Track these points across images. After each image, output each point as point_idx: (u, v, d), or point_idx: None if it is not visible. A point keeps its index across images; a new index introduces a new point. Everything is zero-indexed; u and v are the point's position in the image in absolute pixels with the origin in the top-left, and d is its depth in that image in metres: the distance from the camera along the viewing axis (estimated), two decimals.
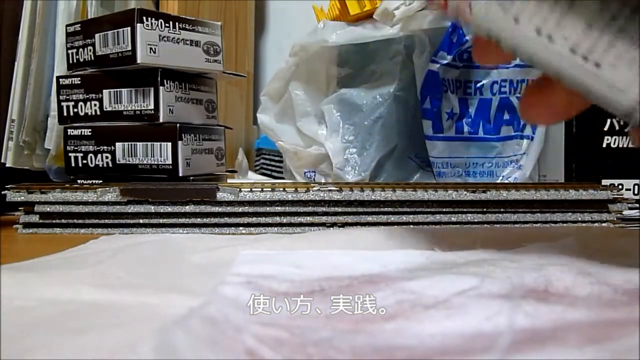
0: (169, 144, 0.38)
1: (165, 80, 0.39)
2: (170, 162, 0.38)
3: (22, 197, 0.33)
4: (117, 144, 0.39)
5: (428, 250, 0.24)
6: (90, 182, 0.40)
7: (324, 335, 0.14)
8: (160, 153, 0.38)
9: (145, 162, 0.39)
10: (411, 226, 0.34)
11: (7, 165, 0.48)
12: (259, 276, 0.20)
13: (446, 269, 0.21)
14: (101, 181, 0.40)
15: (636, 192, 0.43)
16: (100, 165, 0.40)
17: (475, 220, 0.34)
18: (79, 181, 0.40)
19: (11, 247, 0.30)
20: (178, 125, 0.38)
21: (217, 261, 0.24)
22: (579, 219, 0.34)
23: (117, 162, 0.39)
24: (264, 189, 0.33)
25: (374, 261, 0.22)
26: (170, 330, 0.14)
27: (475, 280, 0.18)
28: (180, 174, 0.38)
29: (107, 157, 0.39)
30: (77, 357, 0.13)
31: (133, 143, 0.39)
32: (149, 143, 0.38)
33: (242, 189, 0.33)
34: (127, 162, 0.39)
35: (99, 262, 0.23)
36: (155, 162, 0.38)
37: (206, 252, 0.25)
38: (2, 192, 0.34)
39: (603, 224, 0.34)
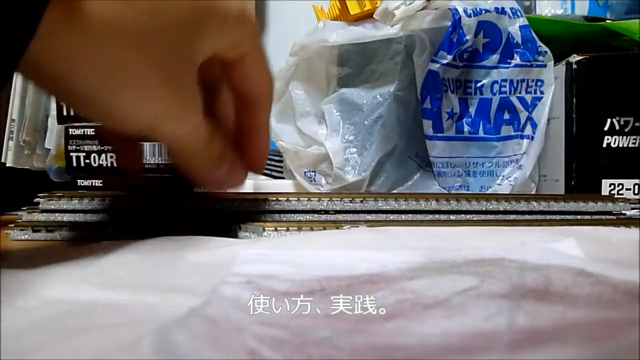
0: None
1: None
2: None
3: (26, 236, 0.32)
4: None
5: (428, 250, 0.24)
6: (90, 182, 0.40)
7: (324, 335, 0.14)
8: (168, 152, 0.38)
9: (151, 162, 0.39)
10: (411, 226, 0.34)
11: (8, 164, 0.48)
12: (259, 276, 0.20)
13: (446, 268, 0.21)
14: (101, 181, 0.40)
15: (636, 192, 0.43)
16: (104, 165, 0.40)
17: (475, 219, 0.34)
18: (78, 181, 0.40)
19: (11, 247, 0.30)
20: None
21: (217, 261, 0.24)
22: (579, 217, 0.34)
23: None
24: (290, 228, 0.31)
25: (374, 261, 0.22)
26: (170, 330, 0.14)
27: (475, 279, 0.18)
28: None
29: (111, 157, 0.40)
30: (77, 357, 0.13)
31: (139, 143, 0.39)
32: (156, 143, 0.39)
33: (265, 228, 0.31)
34: None
35: (99, 262, 0.23)
36: (163, 162, 0.39)
37: (206, 252, 0.25)
38: (2, 193, 0.34)
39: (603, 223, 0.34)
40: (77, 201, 0.33)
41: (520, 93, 0.46)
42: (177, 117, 0.25)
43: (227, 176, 0.29)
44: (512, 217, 0.34)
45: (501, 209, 0.34)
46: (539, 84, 0.46)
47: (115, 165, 0.39)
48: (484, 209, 0.34)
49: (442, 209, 0.34)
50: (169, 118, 0.25)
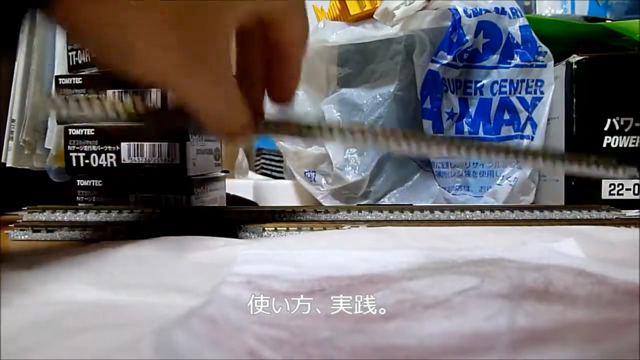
0: (177, 144, 0.38)
1: None
2: (179, 162, 0.38)
3: (26, 236, 0.32)
4: (122, 143, 0.39)
5: (428, 250, 0.24)
6: (89, 182, 0.40)
7: (324, 335, 0.14)
8: (168, 153, 0.38)
9: (152, 162, 0.39)
10: (411, 226, 0.34)
11: (8, 165, 0.48)
12: (259, 276, 0.20)
13: (446, 269, 0.21)
14: (101, 181, 0.40)
15: (636, 192, 0.43)
16: (104, 165, 0.40)
17: (475, 219, 0.34)
18: (78, 181, 0.40)
19: (11, 247, 0.30)
20: None
21: (217, 261, 0.24)
22: (578, 217, 0.34)
23: (122, 162, 0.39)
24: (290, 229, 0.31)
25: (374, 261, 0.22)
26: (170, 330, 0.14)
27: (475, 280, 0.18)
28: (189, 174, 0.38)
29: (111, 157, 0.39)
30: (77, 357, 0.13)
31: (139, 143, 0.39)
32: (156, 143, 0.39)
33: (265, 228, 0.31)
34: (133, 162, 0.39)
35: (99, 262, 0.23)
36: (163, 162, 0.39)
37: (206, 252, 0.25)
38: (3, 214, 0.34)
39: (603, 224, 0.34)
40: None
41: (520, 93, 0.46)
42: (188, 77, 0.24)
43: (240, 132, 0.28)
44: (512, 216, 0.34)
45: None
46: (539, 84, 0.46)
47: (115, 165, 0.39)
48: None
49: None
50: (181, 77, 0.24)
